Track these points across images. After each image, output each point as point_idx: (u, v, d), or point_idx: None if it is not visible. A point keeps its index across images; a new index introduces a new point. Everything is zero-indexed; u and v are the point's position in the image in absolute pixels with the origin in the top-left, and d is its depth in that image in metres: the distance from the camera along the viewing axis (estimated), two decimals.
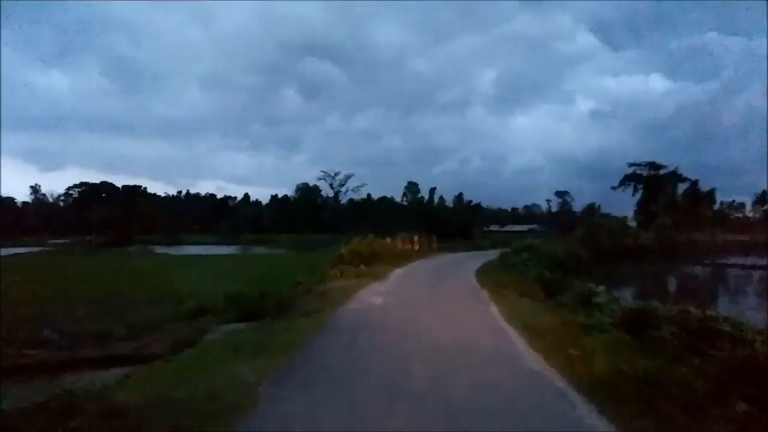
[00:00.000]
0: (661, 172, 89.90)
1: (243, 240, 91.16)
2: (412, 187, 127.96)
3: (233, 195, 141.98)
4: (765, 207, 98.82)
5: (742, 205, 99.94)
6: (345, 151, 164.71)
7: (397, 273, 21.27)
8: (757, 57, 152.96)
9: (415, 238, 36.55)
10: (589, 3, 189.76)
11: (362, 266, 22.56)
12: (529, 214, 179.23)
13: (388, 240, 32.34)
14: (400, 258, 28.85)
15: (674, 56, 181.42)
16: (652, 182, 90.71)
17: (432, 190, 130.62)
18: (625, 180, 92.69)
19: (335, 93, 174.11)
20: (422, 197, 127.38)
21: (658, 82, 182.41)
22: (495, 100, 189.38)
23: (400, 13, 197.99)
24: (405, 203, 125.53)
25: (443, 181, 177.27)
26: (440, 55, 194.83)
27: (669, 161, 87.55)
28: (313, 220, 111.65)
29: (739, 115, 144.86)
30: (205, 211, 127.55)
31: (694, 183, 78.53)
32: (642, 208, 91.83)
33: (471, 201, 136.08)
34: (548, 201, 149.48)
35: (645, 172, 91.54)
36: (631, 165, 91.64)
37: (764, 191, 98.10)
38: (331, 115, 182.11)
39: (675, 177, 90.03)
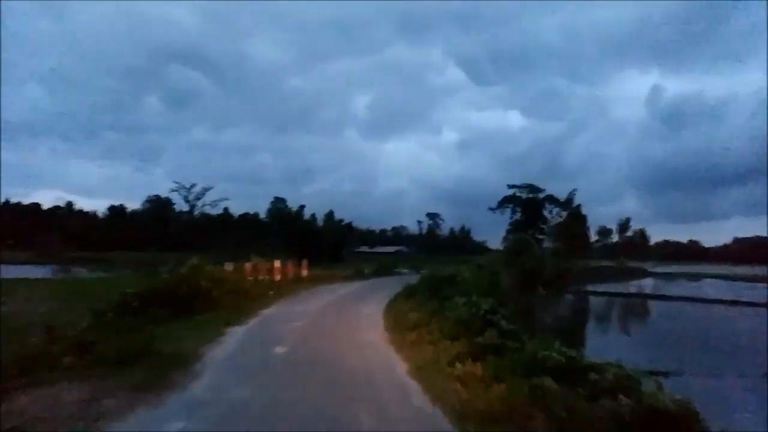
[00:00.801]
0: (540, 195, 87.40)
1: (64, 258, 72.56)
2: (278, 203, 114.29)
3: (66, 205, 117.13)
4: (627, 233, 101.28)
5: (610, 231, 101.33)
6: (211, 165, 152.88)
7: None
8: (596, 101, 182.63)
9: (277, 263, 24.82)
10: (459, 38, 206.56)
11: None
12: (397, 235, 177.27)
13: (232, 266, 20.34)
14: (248, 299, 17.16)
15: (531, 96, 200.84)
16: (531, 205, 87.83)
17: (301, 208, 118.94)
18: (504, 202, 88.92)
19: (204, 104, 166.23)
20: (290, 214, 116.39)
21: (516, 119, 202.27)
22: (369, 125, 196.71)
23: (279, 29, 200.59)
24: (269, 221, 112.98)
25: (314, 201, 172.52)
26: (318, 76, 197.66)
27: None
28: (162, 236, 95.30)
29: (582, 152, 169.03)
30: (27, 225, 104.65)
31: (578, 207, 75.71)
32: (519, 231, 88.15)
33: (342, 220, 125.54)
34: (419, 222, 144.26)
35: (524, 195, 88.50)
36: (511, 187, 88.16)
37: (627, 218, 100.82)
38: (199, 127, 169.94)
39: (552, 201, 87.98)
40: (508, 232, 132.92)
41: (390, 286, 23.63)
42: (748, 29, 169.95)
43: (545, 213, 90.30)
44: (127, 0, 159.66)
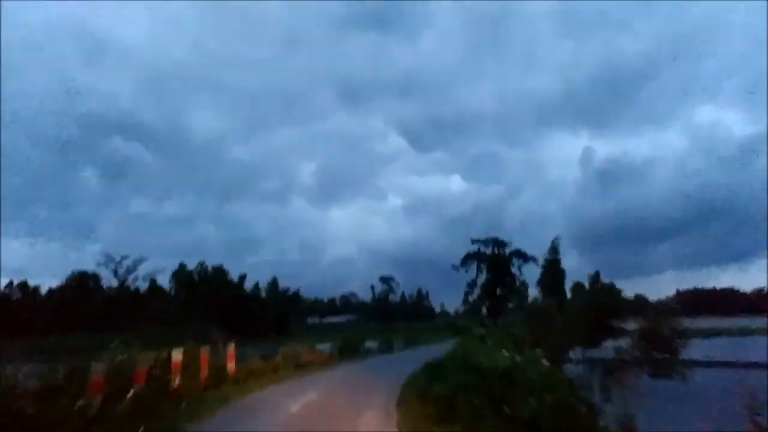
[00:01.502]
0: (506, 250, 79.46)
1: None
2: (218, 273, 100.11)
3: None
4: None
5: (583, 286, 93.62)
6: (150, 239, 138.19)
7: None
8: (532, 164, 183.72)
9: (177, 355, 13.86)
10: (398, 107, 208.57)
11: None
12: (346, 303, 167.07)
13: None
14: None
15: (470, 160, 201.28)
16: (497, 261, 79.42)
17: (242, 277, 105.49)
18: (468, 258, 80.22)
19: (143, 175, 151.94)
20: (231, 283, 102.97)
21: (457, 183, 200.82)
22: (314, 192, 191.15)
23: (219, 99, 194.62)
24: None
25: (259, 271, 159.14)
26: (260, 145, 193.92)
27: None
28: (84, 316, 79.96)
29: (521, 213, 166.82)
30: None
31: (557, 260, 67.65)
32: (488, 291, 79.21)
33: (288, 289, 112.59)
34: (372, 287, 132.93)
35: (489, 250, 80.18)
36: (474, 241, 79.90)
37: (597, 272, 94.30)
38: (137, 200, 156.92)
39: (520, 255, 79.99)
40: (467, 294, 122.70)
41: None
42: (666, 95, 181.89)
43: (513, 269, 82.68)
44: (58, 72, 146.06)
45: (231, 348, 17.94)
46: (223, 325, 64.27)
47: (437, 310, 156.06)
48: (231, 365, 17.31)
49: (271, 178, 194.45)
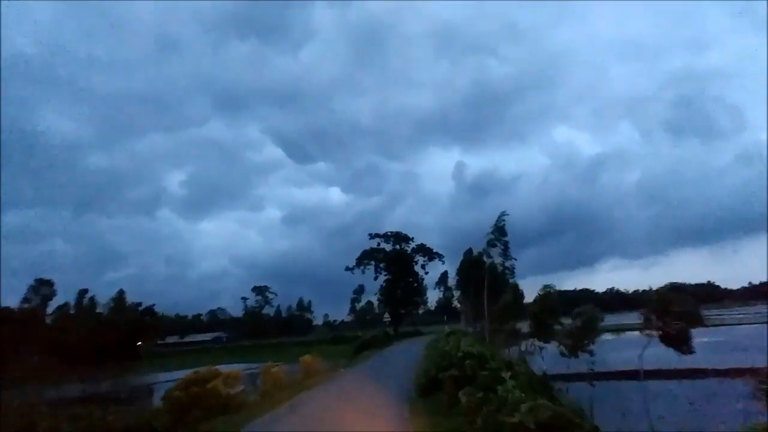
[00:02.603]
0: (410, 245, 67.48)
1: None
2: (40, 289, 77.21)
3: None
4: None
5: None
6: None
7: None
8: (410, 176, 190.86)
9: None
10: (276, 117, 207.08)
11: None
12: (215, 320, 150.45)
13: None
14: None
15: (350, 173, 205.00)
16: (400, 259, 67.04)
17: (82, 293, 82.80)
18: (365, 258, 66.92)
19: None
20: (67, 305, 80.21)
21: (337, 194, 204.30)
22: (184, 203, 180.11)
23: (74, 101, 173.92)
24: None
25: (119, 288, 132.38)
26: (124, 152, 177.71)
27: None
28: None
29: (399, 223, 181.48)
30: None
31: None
32: (389, 294, 66.25)
33: (140, 305, 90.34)
34: (244, 299, 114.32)
35: (390, 246, 67.61)
36: (373, 236, 67.02)
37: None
38: None
39: (425, 251, 68.42)
40: (354, 301, 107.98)
41: None
42: (529, 116, 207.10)
43: (416, 268, 71.31)
44: None
45: None
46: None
47: (319, 322, 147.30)
48: None
49: (137, 188, 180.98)
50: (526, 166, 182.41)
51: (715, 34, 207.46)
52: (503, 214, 36.92)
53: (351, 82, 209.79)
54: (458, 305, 60.33)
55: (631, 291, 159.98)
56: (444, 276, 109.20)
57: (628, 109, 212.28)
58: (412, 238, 70.58)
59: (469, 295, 53.97)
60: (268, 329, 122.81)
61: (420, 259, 70.85)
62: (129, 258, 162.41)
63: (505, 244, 37.25)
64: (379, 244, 70.19)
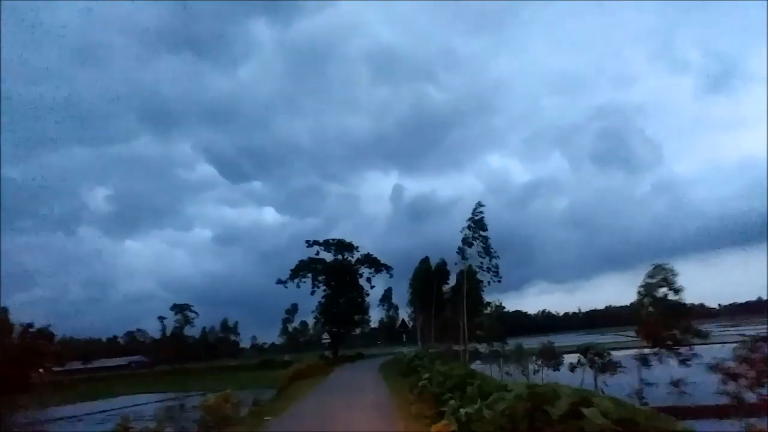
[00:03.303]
0: (353, 255, 58.24)
1: None
2: None
3: None
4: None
5: None
6: None
7: None
8: (348, 198, 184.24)
9: None
10: (208, 135, 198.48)
11: None
12: (133, 342, 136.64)
13: None
14: None
15: (286, 193, 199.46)
16: (342, 270, 57.63)
17: None
18: (302, 269, 57.02)
19: None
20: None
21: (271, 215, 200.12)
22: (107, 221, 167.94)
23: None
24: None
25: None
26: (40, 165, 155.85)
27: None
28: None
29: None
30: None
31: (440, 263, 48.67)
32: (328, 310, 56.50)
33: (32, 326, 75.71)
34: (162, 319, 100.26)
35: (331, 256, 58.08)
36: (311, 244, 57.44)
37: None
38: None
39: (372, 262, 59.37)
40: (286, 321, 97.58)
41: None
42: (465, 142, 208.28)
43: (361, 281, 62.05)
44: None
45: None
46: None
47: (247, 344, 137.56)
48: None
49: (54, 204, 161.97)
50: (462, 191, 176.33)
51: (637, 73, 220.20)
52: (479, 205, 29.48)
53: (289, 102, 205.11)
54: (411, 323, 51.92)
55: (561, 313, 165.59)
56: (388, 293, 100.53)
57: (558, 139, 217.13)
58: (357, 247, 61.54)
59: (426, 312, 45.84)
60: (193, 352, 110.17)
61: (365, 271, 61.80)
62: (42, 278, 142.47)
63: (485, 241, 29.33)
64: (318, 253, 60.60)
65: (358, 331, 70.34)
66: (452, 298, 38.50)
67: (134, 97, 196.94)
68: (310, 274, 59.68)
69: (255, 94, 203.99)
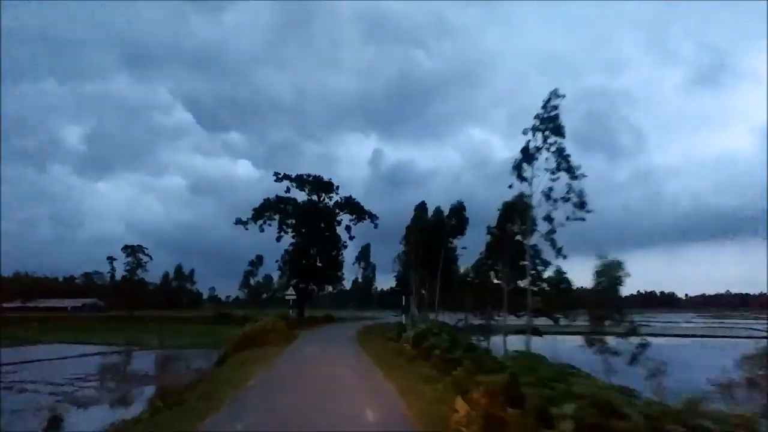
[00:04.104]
0: (330, 197, 47.76)
1: None
2: None
3: None
4: None
5: None
6: None
7: None
8: (326, 158, 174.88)
9: None
10: (188, 81, 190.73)
11: None
12: (90, 283, 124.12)
13: None
14: None
15: (263, 148, 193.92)
16: (317, 214, 47.15)
17: None
18: (266, 209, 46.44)
19: None
20: None
21: (246, 168, 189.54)
22: (79, 161, 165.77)
23: None
24: None
25: None
26: (12, 96, 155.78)
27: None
28: None
29: None
30: None
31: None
32: (296, 261, 46.27)
33: None
34: (111, 260, 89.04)
35: (305, 195, 47.45)
36: (280, 178, 46.77)
37: None
38: None
39: (353, 209, 49.00)
40: (247, 274, 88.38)
41: None
42: (447, 114, 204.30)
43: (339, 226, 51.60)
44: None
45: None
46: None
47: (204, 295, 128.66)
48: None
49: (26, 138, 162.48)
50: (440, 163, 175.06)
51: (628, 60, 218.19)
52: (555, 95, 19.03)
53: (273, 54, 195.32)
54: (408, 284, 41.83)
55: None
56: (366, 250, 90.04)
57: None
58: (338, 187, 50.84)
59: (429, 271, 36.14)
60: (149, 299, 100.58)
61: (345, 218, 51.30)
62: (7, 211, 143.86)
63: (561, 153, 19.08)
64: (288, 191, 49.66)
65: (329, 289, 60.04)
66: (493, 247, 27.86)
67: (114, 34, 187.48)
68: (277, 216, 49.06)
69: (239, 43, 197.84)
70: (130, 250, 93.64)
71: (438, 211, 39.15)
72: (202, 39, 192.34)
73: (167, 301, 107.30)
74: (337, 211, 51.01)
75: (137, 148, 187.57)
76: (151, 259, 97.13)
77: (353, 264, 77.68)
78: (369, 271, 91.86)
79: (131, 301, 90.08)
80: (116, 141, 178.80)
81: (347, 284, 75.81)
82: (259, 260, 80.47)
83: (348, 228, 52.62)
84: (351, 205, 51.14)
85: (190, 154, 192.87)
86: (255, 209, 48.73)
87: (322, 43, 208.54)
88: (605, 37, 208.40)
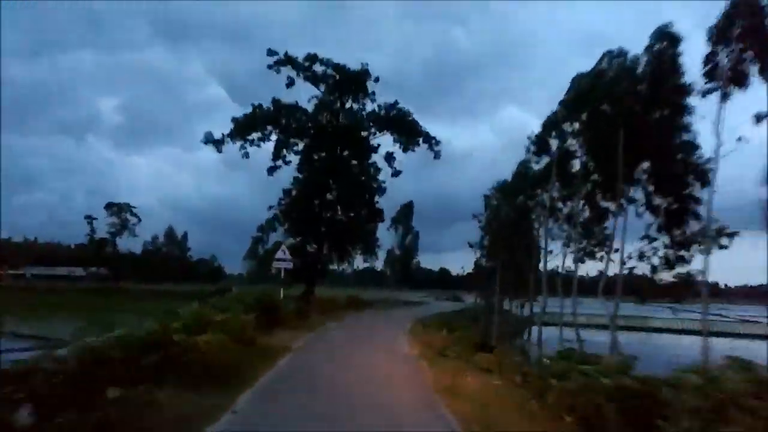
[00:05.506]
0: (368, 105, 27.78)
1: None
2: None
3: None
4: None
5: None
6: None
7: None
8: None
9: None
10: (223, 55, 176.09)
11: None
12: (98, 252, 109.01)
13: None
14: None
15: None
16: (341, 131, 27.40)
17: None
18: (258, 121, 27.24)
19: None
20: None
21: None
22: (115, 132, 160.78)
23: None
24: None
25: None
26: (49, 66, 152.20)
27: None
28: None
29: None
30: None
31: None
32: (301, 204, 26.36)
33: None
34: (90, 219, 73.51)
35: (320, 98, 27.70)
36: (277, 63, 26.95)
37: None
38: None
39: (400, 125, 29.02)
40: (256, 240, 70.53)
41: None
42: (483, 94, 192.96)
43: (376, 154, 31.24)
44: None
45: None
46: None
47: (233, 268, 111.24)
48: None
49: (61, 109, 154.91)
50: (476, 144, 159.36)
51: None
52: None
53: (308, 30, 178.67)
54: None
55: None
56: (407, 209, 61.52)
57: None
58: (377, 79, 29.86)
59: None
60: (170, 270, 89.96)
61: (384, 141, 30.65)
62: (43, 183, 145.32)
63: None
64: (291, 83, 29.11)
65: (357, 256, 38.52)
66: None
67: (149, 6, 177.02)
68: (274, 131, 28.95)
69: (274, 17, 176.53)
70: (116, 208, 77.20)
71: None
72: (238, 12, 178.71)
73: (188, 275, 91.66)
74: (372, 128, 30.53)
75: (172, 122, 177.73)
76: (139, 220, 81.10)
77: (388, 229, 54.21)
78: (411, 239, 66.77)
79: (153, 273, 77.71)
80: (151, 114, 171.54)
81: (381, 253, 47.15)
82: (270, 225, 59.99)
83: (390, 157, 31.15)
84: (396, 120, 30.70)
85: (224, 129, 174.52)
86: (235, 119, 29.31)
87: (358, 19, 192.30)
88: (653, 16, 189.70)
